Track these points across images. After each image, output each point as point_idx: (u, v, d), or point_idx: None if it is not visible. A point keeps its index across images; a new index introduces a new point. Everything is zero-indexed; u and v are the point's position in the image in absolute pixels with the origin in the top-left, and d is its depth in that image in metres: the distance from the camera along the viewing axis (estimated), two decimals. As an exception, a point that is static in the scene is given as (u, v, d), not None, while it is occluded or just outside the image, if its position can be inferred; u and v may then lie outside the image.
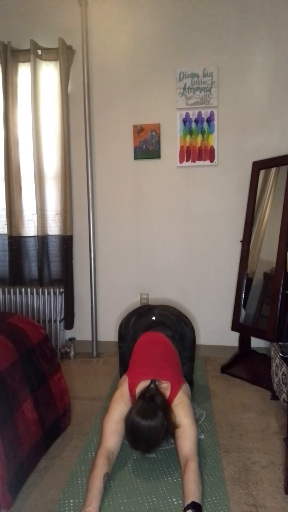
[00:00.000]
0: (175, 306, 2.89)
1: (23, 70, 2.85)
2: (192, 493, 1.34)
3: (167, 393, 1.65)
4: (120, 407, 1.63)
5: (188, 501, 1.32)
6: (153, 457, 1.70)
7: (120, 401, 1.65)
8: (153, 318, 2.07)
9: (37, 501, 1.47)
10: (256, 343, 2.78)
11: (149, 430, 1.47)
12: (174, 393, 1.66)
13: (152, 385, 1.64)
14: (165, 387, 1.67)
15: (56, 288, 2.83)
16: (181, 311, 2.54)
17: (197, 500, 1.33)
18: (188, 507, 1.31)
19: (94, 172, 2.90)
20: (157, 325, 2.02)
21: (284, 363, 1.88)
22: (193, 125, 2.74)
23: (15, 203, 2.89)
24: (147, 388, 1.63)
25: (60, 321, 2.86)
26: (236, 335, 2.80)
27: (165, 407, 1.57)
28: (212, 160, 2.74)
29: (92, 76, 2.83)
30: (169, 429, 1.54)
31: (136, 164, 2.85)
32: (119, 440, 1.58)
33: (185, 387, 1.74)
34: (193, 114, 2.73)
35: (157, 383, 1.66)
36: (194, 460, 1.47)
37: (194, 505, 1.31)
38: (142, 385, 1.67)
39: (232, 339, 2.83)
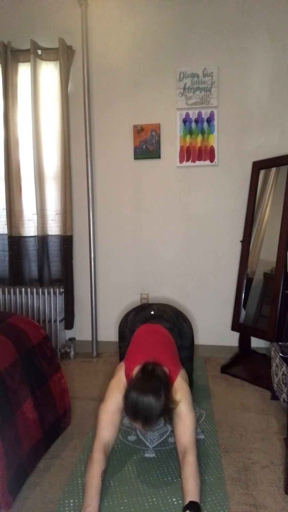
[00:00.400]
0: (175, 305, 2.89)
1: (23, 70, 2.85)
2: (191, 492, 1.35)
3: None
4: (116, 396, 1.57)
5: (187, 501, 1.33)
6: (153, 457, 1.70)
7: (116, 389, 1.59)
8: (152, 312, 2.08)
9: (37, 501, 1.47)
10: (256, 343, 2.78)
11: (149, 404, 1.42)
12: (172, 378, 1.62)
13: (151, 362, 1.59)
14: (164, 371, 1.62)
15: (56, 288, 2.83)
16: (181, 310, 2.54)
17: (196, 498, 1.33)
18: (186, 507, 1.31)
19: (94, 172, 2.90)
20: (155, 318, 2.02)
21: (284, 363, 1.88)
22: (193, 125, 2.74)
23: (15, 203, 2.89)
24: (147, 363, 1.58)
25: (60, 321, 2.86)
26: (236, 335, 2.80)
27: (166, 380, 1.54)
28: (212, 160, 2.74)
29: (92, 76, 2.83)
30: (169, 405, 1.49)
31: (136, 164, 2.85)
32: (114, 432, 1.54)
33: (183, 372, 1.70)
34: (193, 114, 2.73)
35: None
36: (192, 451, 1.46)
37: (192, 504, 1.31)
38: (138, 369, 1.61)
39: (232, 339, 2.83)
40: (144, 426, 1.46)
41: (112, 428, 1.53)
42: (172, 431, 1.58)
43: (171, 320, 2.03)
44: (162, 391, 1.47)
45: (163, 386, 1.50)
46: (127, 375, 1.64)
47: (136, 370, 1.60)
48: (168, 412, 1.51)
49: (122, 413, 1.56)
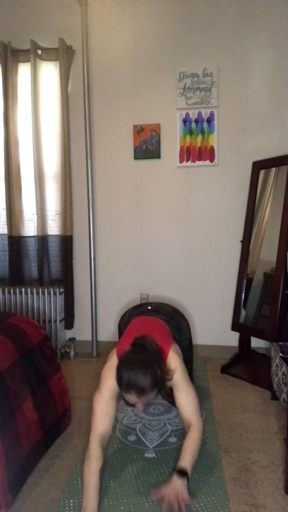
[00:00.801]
0: (174, 305, 2.89)
1: (23, 70, 2.85)
2: (185, 461, 1.42)
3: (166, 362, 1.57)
4: (109, 383, 1.53)
5: (178, 467, 1.41)
6: (153, 457, 1.70)
7: (109, 375, 1.54)
8: (149, 307, 2.08)
9: (37, 501, 1.47)
10: (256, 343, 2.77)
11: (141, 373, 1.39)
12: (165, 352, 1.59)
13: (140, 336, 1.57)
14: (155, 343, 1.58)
15: (56, 288, 2.83)
16: (180, 310, 2.54)
17: (187, 468, 1.40)
18: (176, 472, 1.39)
19: (94, 172, 2.90)
20: (152, 311, 2.00)
21: (284, 363, 1.88)
22: (193, 125, 2.74)
23: (15, 203, 2.89)
24: (136, 337, 1.55)
25: (60, 321, 2.86)
26: (236, 335, 2.80)
27: (157, 352, 1.52)
28: (212, 160, 2.74)
29: (92, 76, 2.83)
30: (163, 375, 1.47)
31: (136, 164, 2.84)
32: (110, 422, 1.53)
33: (175, 347, 1.68)
34: (193, 114, 2.73)
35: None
36: (197, 426, 1.50)
37: (181, 471, 1.38)
38: (129, 345, 1.57)
39: (232, 339, 2.82)
40: (139, 396, 1.41)
41: (107, 418, 1.51)
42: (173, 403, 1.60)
43: (169, 315, 2.02)
44: (154, 361, 1.45)
45: (155, 357, 1.47)
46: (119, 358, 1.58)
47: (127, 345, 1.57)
48: (162, 382, 1.47)
49: (118, 399, 1.55)
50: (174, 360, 1.59)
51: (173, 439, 1.82)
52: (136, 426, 1.94)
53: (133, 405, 2.09)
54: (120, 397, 1.55)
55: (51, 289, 2.82)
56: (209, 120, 2.71)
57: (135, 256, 2.93)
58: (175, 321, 2.02)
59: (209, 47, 2.68)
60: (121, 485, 1.53)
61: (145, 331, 1.64)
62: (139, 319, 1.90)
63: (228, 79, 2.68)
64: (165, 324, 1.88)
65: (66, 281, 2.91)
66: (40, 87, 2.82)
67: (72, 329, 3.01)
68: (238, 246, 2.77)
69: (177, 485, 1.35)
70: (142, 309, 2.07)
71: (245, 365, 2.63)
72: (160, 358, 1.51)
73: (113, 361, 1.58)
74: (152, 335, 1.63)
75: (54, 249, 2.95)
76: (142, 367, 1.40)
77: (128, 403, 1.59)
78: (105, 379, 1.56)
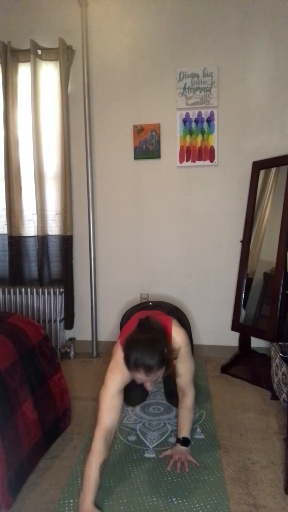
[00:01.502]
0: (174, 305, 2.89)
1: (23, 70, 2.85)
2: (185, 430, 1.68)
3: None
4: (116, 377, 1.54)
5: (180, 436, 1.67)
6: (153, 457, 1.70)
7: (115, 370, 1.55)
8: (150, 303, 2.11)
9: (37, 501, 1.47)
10: (256, 343, 2.77)
11: (148, 350, 1.40)
12: (167, 326, 1.64)
13: (144, 316, 1.57)
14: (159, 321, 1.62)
15: (56, 288, 2.83)
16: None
17: (188, 436, 1.69)
18: (179, 440, 1.67)
19: (94, 172, 2.90)
20: (154, 306, 2.02)
21: (284, 363, 1.88)
22: (193, 125, 2.73)
23: (15, 203, 2.89)
24: (140, 319, 1.55)
25: (60, 321, 2.86)
26: (236, 335, 2.80)
27: (162, 330, 1.54)
28: (212, 160, 2.74)
29: (92, 76, 2.83)
30: (168, 353, 1.49)
31: (136, 164, 2.84)
32: (117, 415, 1.53)
33: (175, 322, 1.71)
34: (193, 114, 2.73)
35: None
36: (190, 393, 1.69)
37: (183, 439, 1.67)
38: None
39: (232, 339, 2.82)
40: (147, 374, 1.41)
41: (114, 412, 1.52)
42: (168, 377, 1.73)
43: (170, 309, 2.04)
44: (160, 339, 1.47)
45: (161, 335, 1.50)
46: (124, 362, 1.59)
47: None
48: (169, 360, 1.50)
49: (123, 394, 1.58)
50: (178, 334, 1.66)
51: (173, 439, 1.82)
52: (136, 426, 1.94)
53: (133, 405, 2.11)
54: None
55: (51, 289, 2.82)
56: (209, 120, 2.71)
57: (135, 256, 2.92)
58: (176, 315, 2.03)
59: (209, 47, 2.68)
60: (121, 485, 1.53)
61: (146, 315, 1.66)
62: (140, 312, 1.91)
63: (228, 79, 2.68)
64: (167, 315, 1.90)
65: (66, 281, 2.91)
66: (40, 87, 2.82)
67: (72, 329, 3.01)
68: (238, 246, 2.77)
69: (182, 449, 1.66)
70: (143, 305, 2.11)
71: (245, 365, 2.63)
72: (165, 336, 1.55)
73: (118, 355, 1.56)
74: (154, 317, 1.64)
75: (54, 249, 2.95)
76: (149, 345, 1.42)
77: (133, 393, 1.81)
78: (111, 374, 1.56)
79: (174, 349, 1.59)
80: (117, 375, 1.54)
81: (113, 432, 1.52)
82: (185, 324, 2.09)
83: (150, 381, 1.45)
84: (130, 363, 1.41)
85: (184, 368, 1.67)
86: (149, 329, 1.50)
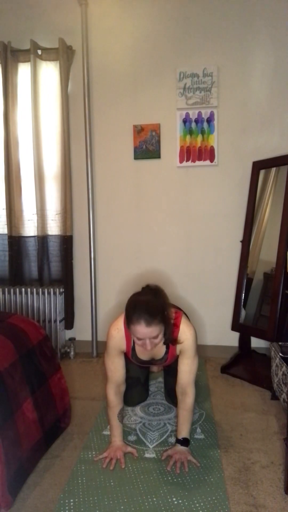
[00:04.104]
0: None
1: (23, 70, 2.85)
2: (184, 431, 1.69)
3: (172, 315, 1.69)
4: (113, 342, 1.72)
5: (179, 437, 1.69)
6: (153, 457, 1.70)
7: (116, 334, 1.72)
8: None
9: (37, 501, 1.47)
10: (256, 343, 2.77)
11: (148, 299, 1.55)
12: (178, 316, 1.73)
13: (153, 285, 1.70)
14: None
15: (56, 288, 2.83)
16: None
17: (187, 437, 1.70)
18: (178, 441, 1.69)
19: (94, 172, 2.90)
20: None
21: (284, 363, 1.88)
22: (193, 125, 2.73)
23: (15, 203, 2.89)
24: (148, 284, 1.70)
25: (60, 321, 2.86)
26: (236, 335, 2.80)
27: (165, 296, 1.64)
28: (212, 160, 2.74)
29: (92, 76, 2.83)
30: (169, 317, 1.61)
31: (136, 164, 2.84)
32: (123, 373, 1.77)
33: (185, 316, 1.82)
34: (193, 114, 2.73)
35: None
36: (191, 394, 1.70)
37: (183, 439, 1.68)
38: None
39: (232, 339, 2.82)
40: (148, 326, 1.49)
41: (119, 369, 1.75)
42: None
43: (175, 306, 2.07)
44: (162, 301, 1.58)
45: (162, 297, 1.61)
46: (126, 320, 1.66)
47: None
48: (169, 324, 1.60)
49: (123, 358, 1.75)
50: (188, 328, 1.73)
51: (173, 439, 1.82)
52: (136, 426, 1.94)
53: (133, 405, 2.10)
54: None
55: (51, 289, 2.82)
56: (209, 120, 2.71)
57: (135, 256, 2.92)
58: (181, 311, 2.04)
59: (209, 47, 2.68)
60: (121, 485, 1.53)
61: None
62: None
63: (228, 79, 2.68)
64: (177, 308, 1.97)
65: (66, 281, 2.91)
66: (40, 87, 2.82)
67: (72, 329, 3.01)
68: (238, 246, 2.77)
69: (182, 449, 1.67)
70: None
71: (245, 365, 2.63)
72: (166, 300, 1.64)
73: (118, 322, 1.73)
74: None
75: (54, 249, 2.95)
76: (150, 301, 1.54)
77: (133, 393, 1.96)
78: (109, 340, 1.74)
79: (179, 339, 1.68)
80: (114, 340, 1.72)
81: (122, 386, 1.79)
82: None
83: (150, 336, 1.53)
84: (132, 316, 1.52)
85: (188, 364, 1.70)
86: (151, 291, 1.63)
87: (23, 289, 2.83)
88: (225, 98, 2.70)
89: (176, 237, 2.86)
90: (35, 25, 2.84)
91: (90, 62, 2.81)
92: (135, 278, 2.94)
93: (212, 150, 2.73)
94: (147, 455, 1.71)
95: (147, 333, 1.50)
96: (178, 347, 1.72)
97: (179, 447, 1.68)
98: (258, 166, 2.67)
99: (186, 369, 1.71)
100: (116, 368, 1.75)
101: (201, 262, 2.85)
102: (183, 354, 1.71)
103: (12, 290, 2.84)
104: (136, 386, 2.08)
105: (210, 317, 2.87)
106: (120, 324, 1.73)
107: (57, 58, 2.77)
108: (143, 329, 1.50)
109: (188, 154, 2.76)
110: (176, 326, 1.70)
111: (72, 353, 2.90)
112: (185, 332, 1.70)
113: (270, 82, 2.65)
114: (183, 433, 1.69)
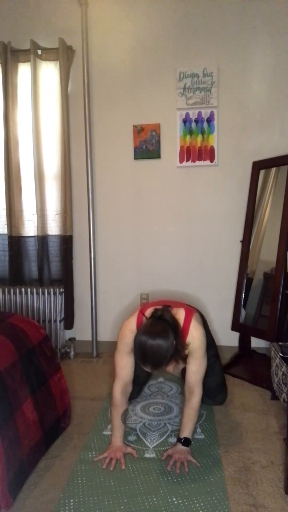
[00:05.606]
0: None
1: (23, 70, 2.85)
2: (186, 430, 1.68)
3: (181, 318, 1.72)
4: (125, 341, 1.72)
5: (181, 436, 1.67)
6: (153, 457, 1.70)
7: (128, 335, 1.72)
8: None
9: (37, 501, 1.47)
10: (256, 343, 2.77)
11: (157, 347, 1.51)
12: (187, 319, 1.73)
13: (161, 307, 1.71)
14: (178, 311, 1.74)
15: (56, 288, 2.83)
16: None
17: (189, 437, 1.68)
18: (179, 440, 1.68)
19: (94, 172, 2.90)
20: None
21: (284, 363, 1.88)
22: (193, 125, 2.73)
23: (15, 203, 2.89)
24: (156, 308, 1.69)
25: (60, 321, 2.86)
26: (236, 335, 2.80)
27: (174, 324, 1.63)
28: (212, 160, 2.74)
29: (92, 76, 2.83)
30: (178, 348, 1.60)
31: (136, 164, 2.84)
32: (131, 370, 1.76)
33: (197, 315, 1.82)
34: (193, 114, 2.73)
35: (168, 308, 1.72)
36: (198, 393, 1.70)
37: (184, 439, 1.67)
38: (148, 314, 1.70)
39: (232, 339, 2.82)
40: (154, 369, 1.56)
41: (129, 368, 1.75)
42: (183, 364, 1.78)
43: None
44: (171, 334, 1.56)
45: (172, 330, 1.59)
46: (138, 320, 1.74)
47: (147, 312, 1.72)
48: (178, 354, 1.61)
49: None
50: (197, 330, 1.73)
51: (173, 439, 1.82)
52: (136, 426, 1.94)
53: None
54: None
55: (51, 289, 2.82)
56: (209, 120, 2.71)
57: (135, 256, 2.92)
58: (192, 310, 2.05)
59: (209, 47, 2.68)
60: (121, 485, 1.53)
61: (166, 303, 1.80)
62: (163, 300, 2.00)
63: (228, 79, 2.68)
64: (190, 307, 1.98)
65: (66, 281, 2.91)
66: (40, 87, 2.82)
67: (72, 329, 3.01)
68: (238, 246, 2.77)
69: (183, 449, 1.66)
70: None
71: (245, 365, 2.63)
72: (178, 332, 1.63)
73: (131, 322, 1.75)
74: (174, 304, 1.79)
75: (54, 249, 2.95)
76: (158, 345, 1.51)
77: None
78: (121, 338, 1.75)
79: (188, 343, 1.69)
80: (128, 339, 1.71)
81: (130, 384, 1.78)
82: (205, 324, 2.09)
83: (155, 372, 1.60)
84: (138, 357, 1.56)
85: (196, 365, 1.71)
86: (161, 321, 1.61)
87: (23, 289, 2.83)
88: (225, 98, 2.70)
89: (176, 237, 2.86)
90: (35, 25, 2.84)
91: (90, 62, 2.82)
92: (135, 278, 2.94)
93: (212, 150, 2.73)
94: (147, 455, 1.71)
95: (156, 372, 1.60)
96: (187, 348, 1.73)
97: (180, 447, 1.68)
98: (258, 166, 2.67)
99: (194, 369, 1.72)
100: (125, 365, 1.75)
101: (201, 262, 2.85)
102: (192, 355, 1.72)
103: (12, 290, 2.84)
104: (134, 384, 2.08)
105: (210, 317, 2.87)
106: (133, 325, 1.74)
107: (57, 58, 2.77)
108: (149, 370, 1.57)
109: (188, 154, 2.76)
110: (185, 331, 1.71)
111: (72, 353, 2.90)
112: (193, 335, 1.71)
113: (270, 82, 2.65)
114: (185, 432, 1.69)
